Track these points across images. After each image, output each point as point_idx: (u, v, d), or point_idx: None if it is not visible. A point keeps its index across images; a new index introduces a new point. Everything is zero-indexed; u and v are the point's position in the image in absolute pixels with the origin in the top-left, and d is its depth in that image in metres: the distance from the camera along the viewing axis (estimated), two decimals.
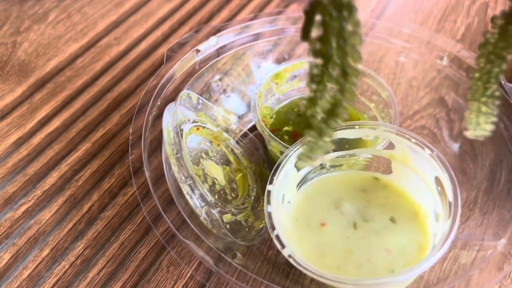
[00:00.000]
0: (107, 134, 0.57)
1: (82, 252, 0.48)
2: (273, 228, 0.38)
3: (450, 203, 0.40)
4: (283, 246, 0.37)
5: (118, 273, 0.46)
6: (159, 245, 0.48)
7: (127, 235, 0.49)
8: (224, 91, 0.58)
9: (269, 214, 0.39)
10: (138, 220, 0.50)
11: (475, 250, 0.45)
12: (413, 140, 0.43)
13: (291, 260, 0.37)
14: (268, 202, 0.40)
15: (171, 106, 0.47)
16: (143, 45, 0.69)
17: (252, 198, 0.50)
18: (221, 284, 0.45)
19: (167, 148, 0.43)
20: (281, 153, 0.45)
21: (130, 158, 0.45)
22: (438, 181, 0.42)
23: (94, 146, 0.56)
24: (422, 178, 0.44)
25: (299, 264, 0.36)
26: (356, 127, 0.45)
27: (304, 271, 0.36)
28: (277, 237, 0.38)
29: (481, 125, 0.34)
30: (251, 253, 0.46)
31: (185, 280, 0.46)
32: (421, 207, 0.44)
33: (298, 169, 0.45)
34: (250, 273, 0.40)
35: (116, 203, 0.51)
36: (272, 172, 0.42)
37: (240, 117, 0.57)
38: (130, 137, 0.46)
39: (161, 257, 0.47)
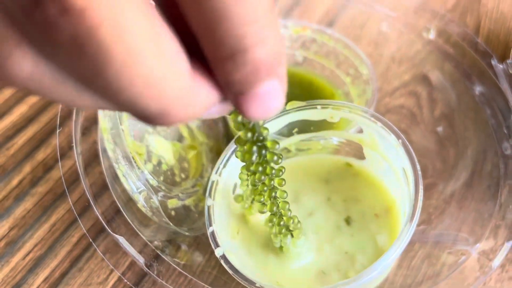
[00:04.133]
0: None
1: (7, 233, 0.42)
2: (210, 225, 0.33)
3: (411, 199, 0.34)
4: (216, 246, 0.32)
5: (46, 259, 0.41)
6: (96, 228, 0.43)
7: (61, 215, 0.43)
8: None
9: (208, 208, 0.34)
10: (75, 198, 0.44)
11: (447, 252, 0.41)
12: (379, 124, 0.37)
13: (222, 262, 0.31)
14: (209, 195, 0.34)
15: None
16: None
17: (206, 179, 0.44)
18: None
19: (101, 121, 0.37)
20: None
21: (58, 131, 0.39)
22: (404, 173, 0.37)
23: (32, 110, 0.49)
24: (393, 168, 0.38)
25: (229, 267, 0.31)
26: (318, 107, 0.38)
27: (234, 276, 0.31)
28: (212, 234, 0.32)
29: None
30: (199, 244, 0.41)
31: (122, 269, 0.41)
32: (395, 201, 0.39)
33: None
34: (191, 276, 0.35)
35: (50, 178, 0.45)
36: (220, 158, 0.36)
37: None
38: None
39: (97, 241, 0.42)
